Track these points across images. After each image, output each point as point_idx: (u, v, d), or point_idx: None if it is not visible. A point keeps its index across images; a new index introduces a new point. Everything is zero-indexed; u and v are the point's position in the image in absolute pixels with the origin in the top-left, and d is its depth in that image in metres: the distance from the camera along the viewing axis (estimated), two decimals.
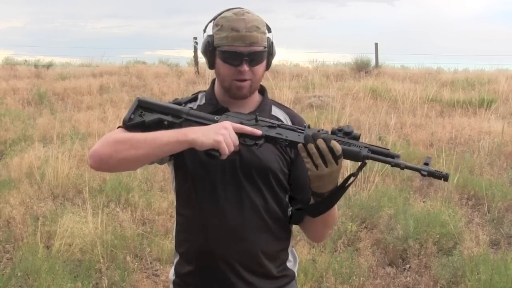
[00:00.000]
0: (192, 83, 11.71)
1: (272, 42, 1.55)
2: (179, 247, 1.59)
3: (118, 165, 1.43)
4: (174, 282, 1.65)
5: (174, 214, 1.63)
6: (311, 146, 1.32)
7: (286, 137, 1.39)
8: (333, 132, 1.36)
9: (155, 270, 3.80)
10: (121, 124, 1.49)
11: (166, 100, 1.94)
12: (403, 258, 3.99)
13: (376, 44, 14.35)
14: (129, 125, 1.46)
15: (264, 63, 1.52)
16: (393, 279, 3.68)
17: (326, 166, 1.32)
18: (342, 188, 1.41)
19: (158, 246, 3.98)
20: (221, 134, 1.32)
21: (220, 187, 1.50)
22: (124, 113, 1.68)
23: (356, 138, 1.35)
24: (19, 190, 5.03)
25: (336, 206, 1.50)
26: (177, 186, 1.59)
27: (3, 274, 3.50)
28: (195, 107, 1.56)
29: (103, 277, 3.55)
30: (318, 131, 1.36)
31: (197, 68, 12.78)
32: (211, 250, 1.50)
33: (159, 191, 5.15)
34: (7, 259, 3.87)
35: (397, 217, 4.38)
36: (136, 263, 3.76)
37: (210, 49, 1.50)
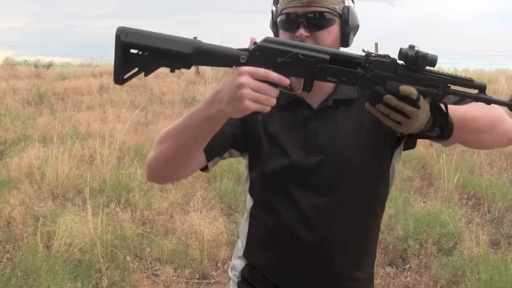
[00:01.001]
0: (192, 83, 11.72)
1: (349, 9, 1.28)
2: (249, 255, 1.42)
3: (167, 168, 1.23)
4: (238, 284, 1.47)
5: (246, 214, 1.43)
6: (381, 107, 1.05)
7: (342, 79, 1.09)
8: (393, 64, 1.07)
9: (155, 270, 3.80)
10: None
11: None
12: (403, 258, 3.99)
13: (376, 44, 14.32)
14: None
15: (333, 31, 1.25)
16: (393, 279, 3.68)
17: (408, 117, 1.04)
18: (441, 111, 1.10)
19: (158, 246, 3.98)
20: (240, 96, 1.00)
21: (303, 191, 1.29)
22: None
23: (431, 62, 1.05)
24: (19, 190, 5.03)
25: (467, 108, 1.18)
26: (250, 187, 1.39)
27: (3, 274, 3.50)
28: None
29: (103, 277, 3.55)
30: (381, 60, 1.06)
31: (197, 68, 12.78)
32: (288, 270, 1.33)
33: (159, 191, 5.15)
34: (7, 259, 3.87)
35: (397, 217, 4.38)
36: (136, 263, 3.76)
37: (273, 21, 1.32)
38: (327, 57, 1.06)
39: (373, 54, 1.07)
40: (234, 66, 1.05)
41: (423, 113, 1.05)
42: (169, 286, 3.57)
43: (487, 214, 4.80)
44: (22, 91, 10.76)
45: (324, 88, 1.29)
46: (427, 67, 1.06)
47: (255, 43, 1.05)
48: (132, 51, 1.06)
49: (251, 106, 1.00)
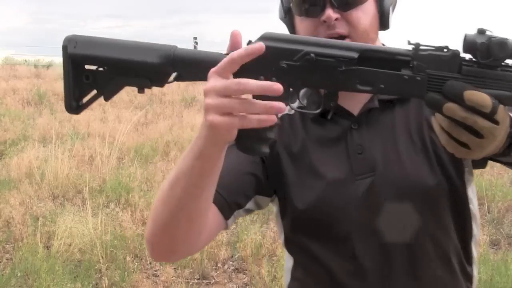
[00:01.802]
0: (192, 83, 11.71)
1: None
2: None
3: (170, 240, 0.90)
4: None
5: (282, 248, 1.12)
6: (441, 121, 0.72)
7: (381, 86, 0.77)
8: (453, 58, 0.74)
9: (155, 270, 3.80)
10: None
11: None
12: None
13: None
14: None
15: (369, 8, 0.96)
16: None
17: (481, 136, 0.70)
18: None
19: None
20: (210, 124, 0.73)
21: (354, 230, 0.98)
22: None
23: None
24: (19, 190, 5.03)
25: None
26: (286, 240, 1.09)
27: (3, 275, 3.50)
28: (295, 116, 1.04)
29: (103, 277, 3.55)
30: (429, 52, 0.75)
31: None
32: None
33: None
34: (7, 259, 3.87)
35: None
36: (136, 263, 3.76)
37: (285, 9, 1.02)
38: (355, 55, 0.76)
39: (423, 47, 0.75)
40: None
41: (502, 129, 0.71)
42: (169, 286, 3.56)
43: (487, 214, 4.80)
44: (22, 91, 10.77)
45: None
46: (508, 61, 0.73)
47: (249, 42, 0.76)
48: (87, 67, 0.82)
49: (229, 136, 0.74)
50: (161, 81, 0.80)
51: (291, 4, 0.99)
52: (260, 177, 1.01)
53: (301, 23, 0.98)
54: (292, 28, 1.02)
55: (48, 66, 14.45)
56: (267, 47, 0.74)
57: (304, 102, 0.99)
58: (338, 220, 0.97)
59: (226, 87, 0.70)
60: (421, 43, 0.75)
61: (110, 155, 5.90)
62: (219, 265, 3.89)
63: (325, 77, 0.77)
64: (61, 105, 9.91)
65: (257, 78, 0.73)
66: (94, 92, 0.83)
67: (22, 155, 5.96)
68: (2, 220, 4.43)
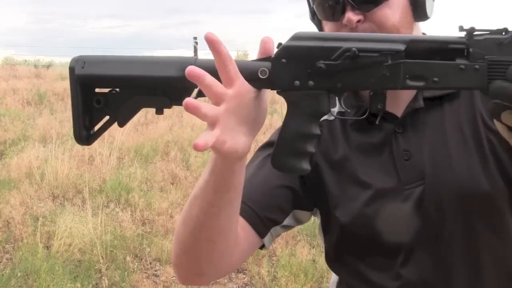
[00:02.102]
0: None
1: None
2: None
3: (196, 262, 0.85)
4: None
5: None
6: (509, 116, 0.64)
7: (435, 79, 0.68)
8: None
9: (155, 270, 3.80)
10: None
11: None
12: None
13: None
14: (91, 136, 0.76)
15: (396, 2, 0.86)
16: None
17: None
18: None
19: (158, 246, 3.97)
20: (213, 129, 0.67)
21: (404, 244, 0.89)
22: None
23: None
24: (19, 190, 5.03)
25: None
26: (327, 256, 1.02)
27: (3, 275, 3.50)
28: (330, 128, 0.97)
29: (103, 277, 3.55)
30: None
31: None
32: None
33: (159, 191, 5.15)
34: (7, 259, 3.87)
35: None
36: (136, 263, 3.76)
37: (311, 10, 0.96)
38: (401, 47, 0.68)
39: (478, 32, 0.68)
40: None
41: None
42: (169, 286, 3.56)
43: None
44: (22, 91, 10.77)
45: (403, 95, 0.92)
46: None
47: (279, 44, 0.71)
48: (97, 90, 0.75)
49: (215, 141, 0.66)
50: (181, 99, 0.67)
51: (315, 7, 0.93)
52: (297, 190, 0.94)
53: (325, 26, 0.93)
54: (321, 29, 0.96)
55: (48, 66, 14.46)
56: (299, 48, 0.70)
57: (338, 109, 0.93)
58: (386, 234, 0.89)
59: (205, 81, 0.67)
60: (475, 28, 0.67)
61: (110, 155, 5.90)
62: None
63: (369, 75, 0.69)
64: (61, 105, 9.93)
65: (292, 84, 0.70)
66: (107, 118, 0.75)
67: (22, 155, 5.96)
68: (2, 220, 4.43)
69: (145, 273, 3.74)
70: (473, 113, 0.89)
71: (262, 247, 0.95)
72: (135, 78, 0.72)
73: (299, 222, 0.99)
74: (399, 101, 0.92)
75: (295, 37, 0.71)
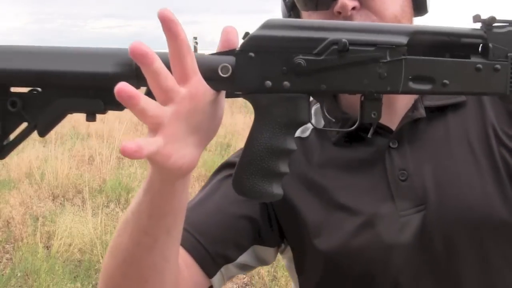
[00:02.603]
0: None
1: None
2: None
3: None
4: None
5: None
6: None
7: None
8: None
9: None
10: None
11: None
12: None
13: None
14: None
15: None
16: None
17: None
18: None
19: None
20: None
21: (401, 283, 0.74)
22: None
23: None
24: (19, 190, 5.03)
25: None
26: None
27: (3, 274, 3.50)
28: (311, 143, 0.81)
29: None
30: None
31: None
32: None
33: None
34: (7, 259, 3.87)
35: None
36: None
37: (288, 5, 0.82)
38: (403, 39, 0.55)
39: (499, 23, 0.56)
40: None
41: None
42: None
43: None
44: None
45: (400, 101, 0.78)
46: None
47: (246, 34, 0.57)
48: (12, 89, 0.59)
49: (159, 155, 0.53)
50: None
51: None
52: (258, 220, 0.78)
53: (309, 17, 0.77)
54: None
55: None
56: (272, 39, 0.55)
57: (321, 123, 0.80)
58: (380, 272, 0.73)
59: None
60: (495, 18, 0.56)
61: (110, 155, 5.90)
62: None
63: (362, 75, 0.55)
64: None
65: (262, 84, 0.55)
66: (25, 125, 0.59)
67: (22, 155, 5.96)
68: (2, 220, 4.43)
69: None
70: (484, 126, 0.75)
71: None
72: (59, 74, 0.56)
73: (261, 261, 0.81)
74: (393, 110, 0.77)
75: (267, 25, 0.56)
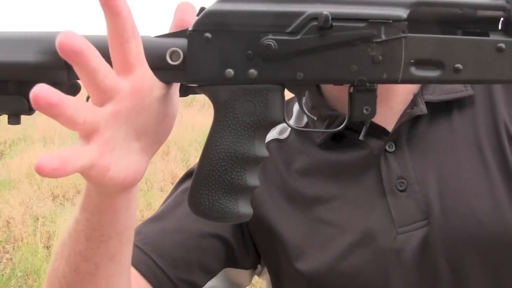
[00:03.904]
0: None
1: None
2: None
3: None
4: None
5: None
6: None
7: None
8: None
9: None
10: None
11: None
12: None
13: None
14: None
15: None
16: None
17: None
18: None
19: None
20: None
21: None
22: None
23: None
24: (19, 190, 5.04)
25: None
26: None
27: (3, 275, 3.50)
28: (289, 139, 0.70)
29: None
30: None
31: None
32: None
33: (159, 191, 5.15)
34: (7, 259, 3.87)
35: None
36: None
37: None
38: (402, 12, 0.44)
39: None
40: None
41: None
42: None
43: None
44: None
45: (396, 97, 0.66)
46: None
47: (201, 9, 0.45)
48: None
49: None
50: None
51: None
52: (230, 240, 0.67)
53: None
54: None
55: None
56: (233, 14, 0.43)
57: (303, 121, 0.68)
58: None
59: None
60: None
61: None
62: None
63: (350, 60, 0.44)
64: None
65: (222, 73, 0.44)
66: None
67: (22, 155, 5.97)
68: (2, 220, 4.43)
69: None
70: (495, 125, 0.64)
71: None
72: None
73: (234, 285, 0.71)
74: (388, 107, 0.66)
75: None
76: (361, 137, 0.53)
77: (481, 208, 0.61)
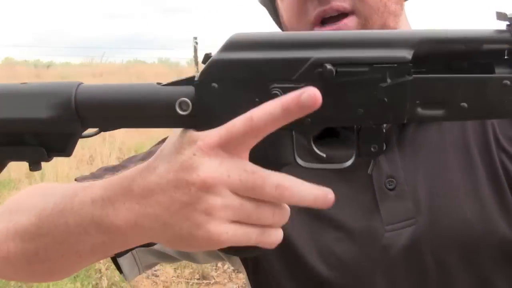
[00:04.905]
0: None
1: None
2: None
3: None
4: None
5: None
6: None
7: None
8: None
9: (154, 270, 3.80)
10: None
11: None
12: None
13: None
14: None
15: None
16: None
17: None
18: None
19: None
20: (215, 214, 0.42)
21: None
22: None
23: None
24: (19, 190, 5.03)
25: None
26: None
27: None
28: None
29: (103, 277, 3.55)
30: None
31: (198, 69, 12.81)
32: None
33: None
34: None
35: None
36: None
37: None
38: (407, 54, 0.44)
39: None
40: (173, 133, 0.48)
41: None
42: (169, 286, 3.57)
43: None
44: None
45: None
46: None
47: (206, 57, 0.46)
48: None
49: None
50: (65, 146, 0.49)
51: None
52: None
53: (282, 1, 0.66)
54: (274, 12, 0.72)
55: (48, 66, 14.47)
56: (238, 63, 0.44)
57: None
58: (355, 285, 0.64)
59: (248, 179, 0.42)
60: None
61: (110, 155, 5.90)
62: (219, 265, 3.89)
63: (356, 103, 0.44)
64: None
65: (224, 121, 0.43)
66: None
67: None
68: None
69: (145, 273, 3.74)
70: (484, 130, 0.65)
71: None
72: None
73: (186, 256, 0.72)
74: None
75: (231, 45, 0.45)
76: (369, 172, 0.56)
77: (467, 208, 0.62)
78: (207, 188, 0.41)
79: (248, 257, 0.69)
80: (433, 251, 0.62)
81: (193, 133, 0.43)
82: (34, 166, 0.51)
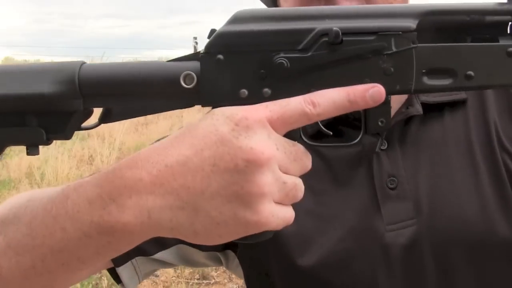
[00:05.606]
0: None
1: None
2: None
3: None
4: None
5: None
6: None
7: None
8: None
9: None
10: None
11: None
12: None
13: None
14: None
15: None
16: None
17: None
18: None
19: None
20: (266, 196, 0.40)
21: None
22: None
23: None
24: (19, 190, 5.03)
25: None
26: None
27: None
28: None
29: (103, 278, 3.55)
30: None
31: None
32: None
33: None
34: None
35: None
36: None
37: None
38: (412, 23, 0.45)
39: None
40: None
41: None
42: (169, 286, 3.57)
43: None
44: None
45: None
46: None
47: (212, 32, 0.46)
48: None
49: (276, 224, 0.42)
50: (64, 127, 0.47)
51: None
52: None
53: (285, 1, 0.65)
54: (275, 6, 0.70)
55: None
56: (244, 35, 0.44)
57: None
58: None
59: (292, 151, 0.42)
60: None
61: (110, 155, 5.90)
62: None
63: (361, 73, 0.44)
64: None
65: (236, 94, 0.44)
66: None
67: (22, 155, 5.97)
68: None
69: None
70: (487, 129, 0.64)
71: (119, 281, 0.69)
72: None
73: (186, 262, 0.70)
74: None
75: (237, 18, 0.45)
76: (377, 149, 0.57)
77: (469, 208, 0.62)
78: (260, 162, 0.39)
79: (251, 257, 0.69)
80: (434, 251, 0.62)
81: (234, 108, 0.42)
82: (32, 150, 0.50)
